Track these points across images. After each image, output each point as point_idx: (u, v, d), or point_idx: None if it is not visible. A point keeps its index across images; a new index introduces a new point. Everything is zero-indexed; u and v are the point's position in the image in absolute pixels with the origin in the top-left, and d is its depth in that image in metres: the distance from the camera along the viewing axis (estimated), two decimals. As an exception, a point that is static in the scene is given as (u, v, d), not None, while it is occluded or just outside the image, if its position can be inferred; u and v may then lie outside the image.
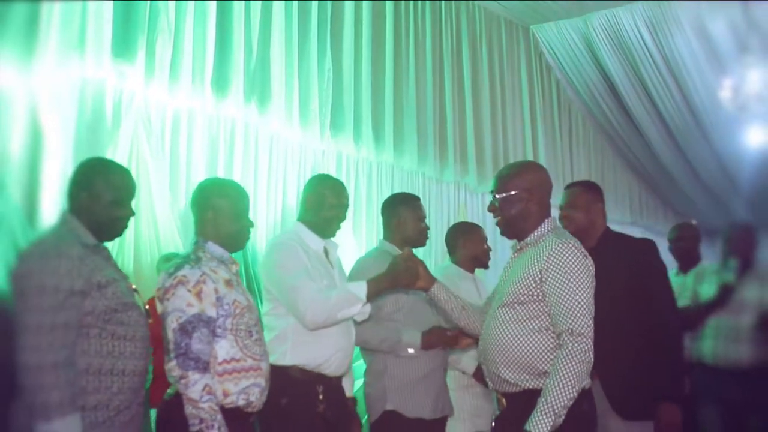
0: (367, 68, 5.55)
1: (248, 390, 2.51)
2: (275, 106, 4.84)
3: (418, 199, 3.67)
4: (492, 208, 2.65)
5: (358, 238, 5.21)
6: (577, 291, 2.38)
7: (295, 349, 2.90)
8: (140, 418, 2.49)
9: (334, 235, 3.19)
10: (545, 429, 2.25)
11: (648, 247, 3.26)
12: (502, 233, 2.66)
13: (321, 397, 2.91)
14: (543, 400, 2.28)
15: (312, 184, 3.23)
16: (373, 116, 5.53)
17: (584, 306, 2.37)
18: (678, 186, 8.24)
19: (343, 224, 3.23)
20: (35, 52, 3.82)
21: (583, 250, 2.47)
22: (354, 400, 3.32)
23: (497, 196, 2.61)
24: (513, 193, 2.56)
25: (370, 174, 5.46)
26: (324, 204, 3.10)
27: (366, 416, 3.48)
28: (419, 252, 3.87)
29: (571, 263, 2.41)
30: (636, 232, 6.60)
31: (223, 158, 4.51)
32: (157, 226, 3.99)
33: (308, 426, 2.85)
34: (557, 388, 2.28)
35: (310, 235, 3.09)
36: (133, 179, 2.58)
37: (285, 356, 2.88)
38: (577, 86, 7.67)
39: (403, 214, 3.51)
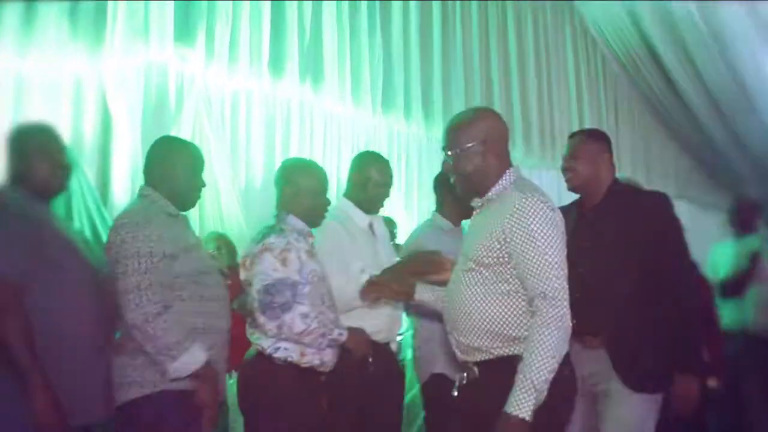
0: (415, 46, 5.69)
1: (324, 352, 2.72)
2: (329, 85, 5.02)
3: None
4: (447, 167, 2.39)
5: (410, 211, 5.38)
6: (545, 250, 2.12)
7: (348, 318, 3.07)
8: (224, 375, 2.72)
9: (378, 211, 3.34)
10: (528, 408, 2.02)
11: (663, 199, 2.92)
12: (461, 193, 2.41)
13: (371, 360, 3.11)
14: (521, 376, 2.05)
15: (357, 162, 3.37)
16: (423, 92, 5.68)
17: (555, 266, 2.12)
18: (724, 159, 8.23)
19: (388, 200, 3.39)
20: (104, 40, 4.06)
21: (550, 203, 2.20)
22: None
23: (450, 153, 2.35)
24: (468, 146, 2.29)
25: (420, 149, 5.61)
26: (369, 182, 3.24)
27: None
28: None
29: (536, 220, 2.13)
30: (682, 206, 6.65)
31: (280, 136, 4.70)
32: (220, 201, 4.20)
33: (359, 386, 3.03)
34: (536, 361, 2.05)
35: (356, 212, 3.25)
36: (201, 153, 2.79)
37: None
38: (623, 60, 7.69)
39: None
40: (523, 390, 2.03)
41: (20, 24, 3.85)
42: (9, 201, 2.39)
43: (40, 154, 2.47)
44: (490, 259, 2.20)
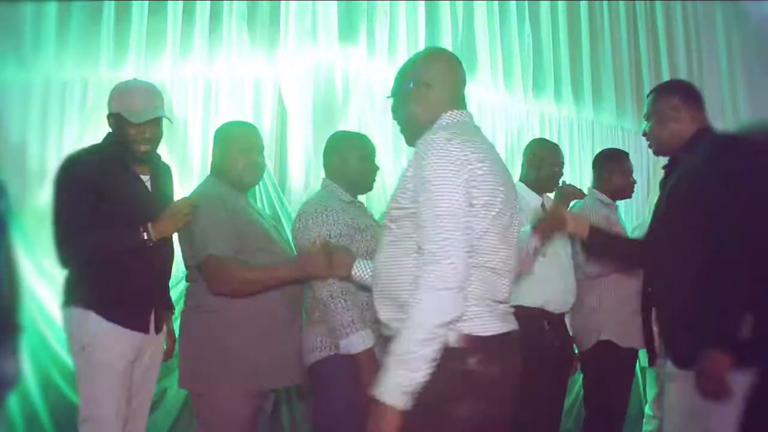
0: (564, 30, 5.78)
1: None
2: (482, 73, 5.25)
3: (626, 155, 3.97)
4: (394, 115, 2.15)
5: (563, 192, 5.52)
6: (435, 195, 1.75)
7: (518, 289, 3.31)
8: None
9: (551, 191, 3.62)
10: (394, 391, 1.70)
11: (743, 148, 2.44)
12: (407, 142, 2.13)
13: (547, 328, 3.36)
14: (391, 348, 1.75)
15: (531, 147, 3.75)
16: (572, 75, 5.77)
17: (443, 215, 1.73)
18: None
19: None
20: (278, 43, 4.52)
21: (459, 140, 1.80)
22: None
23: (390, 98, 2.14)
24: (407, 87, 2.04)
25: (571, 130, 5.72)
26: (544, 163, 3.59)
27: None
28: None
29: (431, 159, 1.77)
30: None
31: (437, 125, 4.98)
32: (385, 187, 4.54)
33: (539, 356, 3.23)
34: (403, 332, 1.72)
35: (529, 193, 3.59)
36: (370, 141, 3.11)
37: None
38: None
39: (612, 168, 3.85)
40: (388, 369, 1.73)
41: (208, 34, 4.38)
42: (214, 191, 2.82)
43: (243, 150, 2.88)
44: (397, 212, 1.89)
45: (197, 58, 4.39)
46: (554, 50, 5.69)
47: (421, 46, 4.94)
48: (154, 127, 2.78)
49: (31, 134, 4.10)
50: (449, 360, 1.75)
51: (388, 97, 2.15)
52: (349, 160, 2.98)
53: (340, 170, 2.98)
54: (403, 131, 2.12)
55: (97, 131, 4.02)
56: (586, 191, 3.83)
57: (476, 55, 5.26)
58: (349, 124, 4.53)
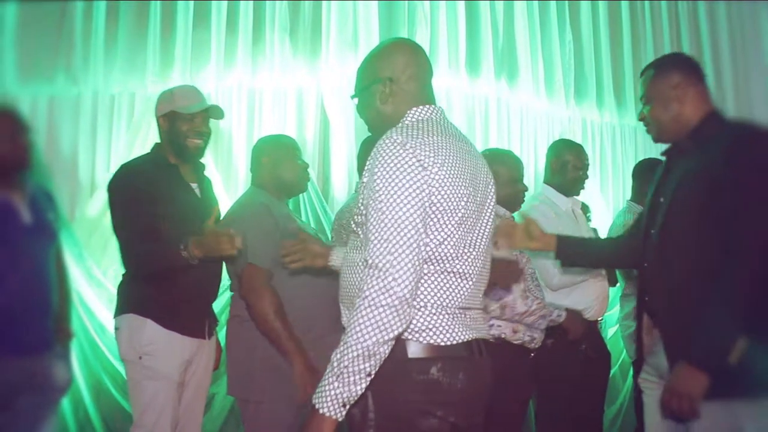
0: (605, 35, 5.73)
1: (533, 330, 2.99)
2: (523, 80, 5.24)
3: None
4: (360, 116, 2.02)
5: (605, 197, 5.47)
6: (383, 208, 1.65)
7: (555, 295, 3.31)
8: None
9: (578, 193, 3.57)
10: (329, 401, 1.61)
11: (753, 136, 2.17)
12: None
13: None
14: (331, 357, 1.67)
15: (553, 149, 3.64)
16: (614, 81, 5.72)
17: (390, 228, 1.63)
18: None
19: (588, 184, 3.60)
20: (319, 54, 4.58)
21: (413, 144, 1.68)
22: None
23: (354, 99, 1.99)
24: (369, 84, 1.90)
25: (613, 137, 5.66)
26: (567, 166, 3.50)
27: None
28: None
29: (382, 166, 1.66)
30: None
31: (480, 130, 4.99)
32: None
33: (573, 363, 3.25)
34: (342, 343, 1.64)
35: (558, 196, 3.51)
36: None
37: None
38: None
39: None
40: (326, 379, 1.64)
41: (251, 45, 4.46)
42: (259, 200, 2.88)
43: (288, 162, 2.95)
44: (360, 218, 1.80)
45: (241, 70, 4.47)
46: (596, 55, 5.64)
47: (462, 53, 4.97)
48: (204, 121, 2.86)
49: (81, 146, 4.24)
50: (413, 371, 1.70)
51: (353, 97, 2.00)
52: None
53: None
54: (371, 131, 1.99)
55: (145, 142, 4.17)
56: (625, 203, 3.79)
57: (517, 62, 5.25)
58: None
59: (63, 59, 4.20)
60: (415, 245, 1.64)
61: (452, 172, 1.72)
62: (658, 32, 5.93)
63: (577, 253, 2.71)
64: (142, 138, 4.22)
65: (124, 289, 2.82)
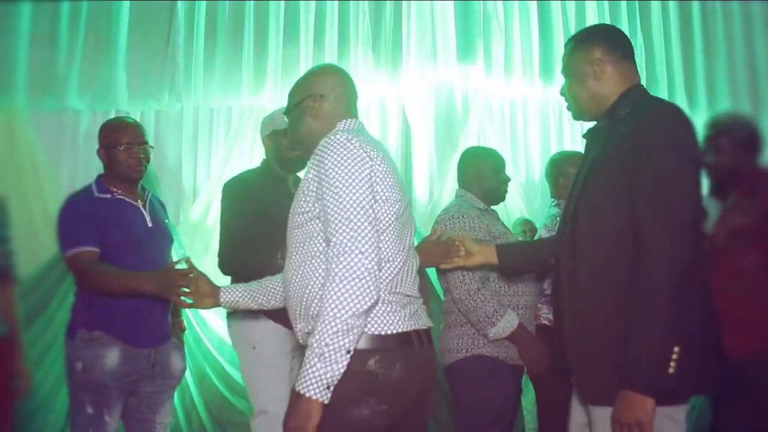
0: (676, 36, 5.75)
1: None
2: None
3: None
4: (290, 131, 2.15)
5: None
6: (341, 192, 1.77)
7: None
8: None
9: None
10: (312, 384, 1.67)
11: (660, 112, 1.95)
12: (306, 157, 2.05)
13: None
14: (309, 342, 1.72)
15: (553, 164, 3.71)
16: (686, 83, 5.71)
17: (349, 207, 1.75)
18: None
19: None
20: (401, 65, 4.85)
21: (358, 140, 1.83)
22: None
23: (285, 117, 2.14)
24: (300, 102, 2.05)
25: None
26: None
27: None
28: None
29: (333, 156, 1.80)
30: None
31: (554, 135, 5.16)
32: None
33: None
34: (318, 324, 1.70)
35: None
36: (501, 155, 3.30)
37: None
38: None
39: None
40: (307, 363, 1.69)
41: (336, 59, 4.77)
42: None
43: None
44: (301, 218, 1.90)
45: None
46: (666, 56, 5.68)
47: (536, 61, 5.13)
48: None
49: (184, 156, 4.63)
50: (352, 362, 1.73)
51: (284, 113, 2.15)
52: (484, 172, 3.15)
53: (475, 181, 3.14)
54: (300, 146, 2.11)
55: (241, 151, 4.54)
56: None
57: (589, 68, 5.37)
58: (469, 139, 4.78)
59: (167, 78, 4.60)
60: (373, 221, 1.77)
61: (388, 169, 1.87)
62: (729, 31, 5.91)
63: (517, 260, 2.64)
64: (238, 147, 4.61)
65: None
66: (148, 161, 2.92)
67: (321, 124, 2.02)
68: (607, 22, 5.40)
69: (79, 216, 2.76)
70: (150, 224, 2.89)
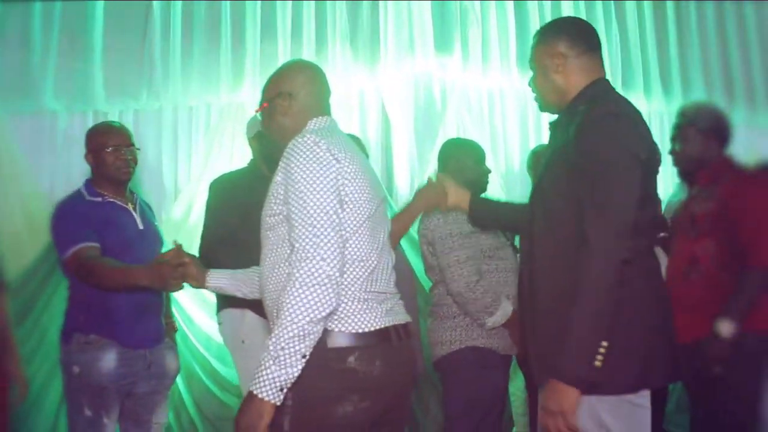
0: (650, 26, 5.83)
1: None
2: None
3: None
4: (264, 130, 2.19)
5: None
6: (305, 197, 1.78)
7: None
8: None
9: None
10: (265, 385, 1.70)
11: (603, 110, 1.96)
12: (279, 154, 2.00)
13: None
14: (266, 343, 1.74)
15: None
16: (660, 70, 5.78)
17: (313, 213, 1.76)
18: None
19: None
20: (378, 58, 4.87)
21: (326, 142, 1.84)
22: None
23: (257, 113, 2.16)
24: (271, 100, 2.07)
25: (662, 125, 5.79)
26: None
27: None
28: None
29: (299, 160, 1.81)
30: None
31: (532, 125, 5.20)
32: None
33: None
34: (276, 327, 1.73)
35: None
36: (481, 147, 3.36)
37: None
38: None
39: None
40: (262, 364, 1.72)
41: (315, 54, 4.77)
42: None
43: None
44: (271, 219, 1.93)
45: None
46: (641, 47, 5.71)
47: (513, 52, 5.17)
48: None
49: (164, 154, 4.62)
50: (329, 360, 1.78)
51: (257, 111, 2.17)
52: (465, 163, 3.21)
53: (456, 173, 3.14)
54: (273, 143, 2.13)
55: (221, 150, 4.54)
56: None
57: (566, 57, 5.42)
58: (448, 130, 4.82)
59: (145, 77, 4.57)
60: (337, 227, 1.78)
61: (358, 169, 1.88)
62: (702, 22, 5.97)
63: (489, 215, 2.65)
64: (218, 144, 4.60)
65: None
66: (136, 163, 2.95)
67: (292, 122, 2.03)
68: (582, 10, 5.46)
69: (74, 217, 2.78)
70: (141, 227, 2.92)
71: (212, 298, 4.23)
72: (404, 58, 4.89)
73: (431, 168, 4.60)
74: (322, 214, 1.76)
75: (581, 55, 2.08)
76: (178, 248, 2.36)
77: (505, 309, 2.96)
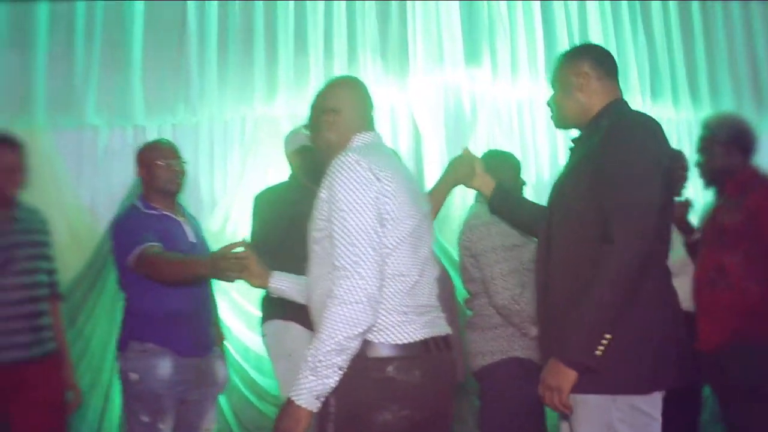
0: (677, 33, 5.85)
1: None
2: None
3: None
4: (312, 144, 2.25)
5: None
6: (346, 216, 1.85)
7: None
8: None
9: (680, 194, 3.77)
10: (304, 393, 1.79)
11: (631, 121, 2.12)
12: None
13: None
14: (306, 354, 1.83)
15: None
16: (688, 78, 5.81)
17: (353, 232, 1.83)
18: None
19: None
20: (408, 71, 4.95)
21: (367, 161, 1.89)
22: None
23: (306, 128, 2.24)
24: (318, 116, 2.13)
25: (690, 134, 5.81)
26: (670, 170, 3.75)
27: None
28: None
29: (341, 180, 1.87)
30: None
31: (561, 135, 5.23)
32: (515, 195, 4.87)
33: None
34: (315, 340, 1.82)
35: None
36: (518, 159, 3.40)
37: None
38: None
39: None
40: (301, 373, 1.80)
41: (346, 67, 4.86)
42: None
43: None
44: (317, 233, 1.97)
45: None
46: (669, 52, 5.73)
47: (541, 62, 5.23)
48: None
49: (201, 167, 4.71)
50: (370, 369, 1.85)
51: (305, 127, 2.24)
52: (502, 176, 3.19)
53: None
54: (317, 157, 2.20)
55: (256, 162, 4.63)
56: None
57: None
58: (478, 141, 4.89)
59: (182, 92, 4.69)
60: (377, 246, 1.83)
61: (401, 186, 1.92)
62: (730, 28, 5.98)
63: (508, 207, 2.68)
64: (253, 157, 4.70)
65: (267, 298, 3.19)
66: (184, 175, 3.06)
67: (337, 137, 2.07)
68: (610, 25, 5.53)
69: (134, 225, 2.89)
70: (193, 240, 3.02)
71: (251, 309, 4.36)
72: (434, 70, 4.98)
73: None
74: (362, 233, 1.82)
75: (603, 77, 2.21)
76: (244, 243, 2.41)
77: None
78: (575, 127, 2.29)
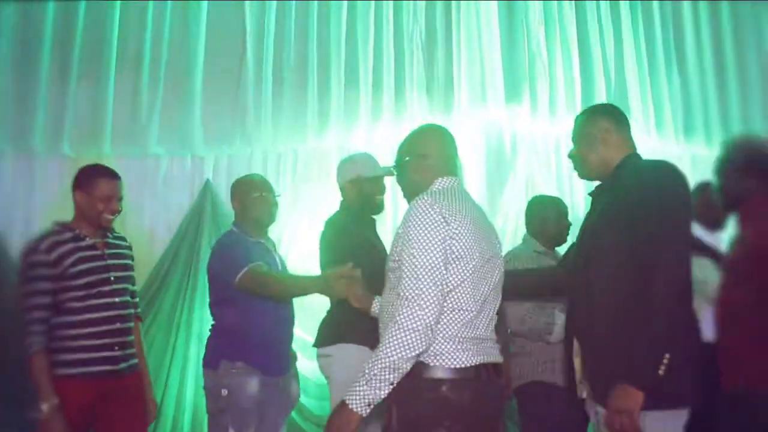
0: (710, 72, 6.03)
1: None
2: (635, 120, 5.64)
3: None
4: (398, 183, 2.45)
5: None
6: (415, 252, 2.05)
7: None
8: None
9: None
10: (357, 399, 2.00)
11: (656, 168, 2.35)
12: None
13: None
14: (364, 365, 2.05)
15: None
16: (720, 115, 5.96)
17: (421, 268, 2.03)
18: None
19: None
20: (452, 108, 5.18)
21: (439, 205, 2.09)
22: None
23: (393, 169, 2.45)
24: (406, 159, 2.35)
25: (723, 171, 5.94)
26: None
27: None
28: None
29: (414, 220, 2.09)
30: None
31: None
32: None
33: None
34: (374, 355, 2.03)
35: (704, 233, 3.85)
36: (565, 205, 3.64)
37: None
38: None
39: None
40: (357, 381, 2.02)
41: (393, 102, 5.09)
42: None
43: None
44: (393, 264, 2.16)
45: (385, 125, 5.11)
46: (702, 92, 5.89)
47: (579, 100, 5.43)
48: (383, 181, 3.46)
49: (255, 199, 4.93)
50: (426, 389, 2.05)
51: (393, 167, 2.45)
52: (547, 219, 3.52)
53: (539, 227, 3.51)
54: (406, 196, 2.38)
55: (307, 194, 4.85)
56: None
57: (629, 104, 5.65)
58: (518, 177, 5.11)
59: (238, 124, 4.96)
60: (439, 282, 2.04)
61: (468, 229, 2.10)
62: (763, 62, 6.13)
63: (512, 290, 2.62)
64: (304, 188, 4.94)
65: (330, 321, 3.31)
66: (277, 207, 3.33)
67: (421, 179, 2.29)
68: (645, 66, 5.73)
69: (237, 247, 3.13)
70: (279, 267, 3.28)
71: (297, 331, 4.55)
72: (476, 107, 5.21)
73: (500, 219, 4.87)
74: (427, 271, 2.03)
75: (620, 131, 2.46)
76: (352, 267, 2.62)
77: (562, 318, 3.13)
78: (598, 178, 2.50)
